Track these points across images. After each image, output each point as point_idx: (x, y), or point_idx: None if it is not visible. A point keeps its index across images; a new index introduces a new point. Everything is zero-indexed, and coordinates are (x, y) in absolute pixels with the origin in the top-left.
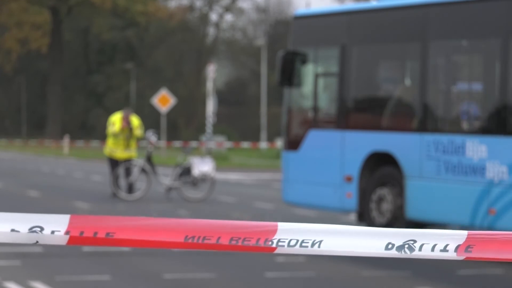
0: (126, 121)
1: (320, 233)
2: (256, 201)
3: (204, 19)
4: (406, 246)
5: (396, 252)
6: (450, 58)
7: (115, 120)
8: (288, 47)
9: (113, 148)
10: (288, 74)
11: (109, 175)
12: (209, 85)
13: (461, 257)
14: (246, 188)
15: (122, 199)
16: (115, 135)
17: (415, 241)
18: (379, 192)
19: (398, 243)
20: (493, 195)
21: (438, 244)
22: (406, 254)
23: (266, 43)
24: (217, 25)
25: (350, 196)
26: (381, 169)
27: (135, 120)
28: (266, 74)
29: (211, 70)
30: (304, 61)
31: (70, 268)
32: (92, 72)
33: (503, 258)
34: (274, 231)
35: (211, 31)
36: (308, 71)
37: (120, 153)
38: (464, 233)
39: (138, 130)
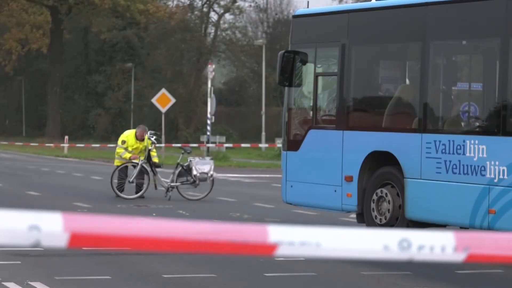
0: (141, 139)
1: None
2: (256, 201)
3: (204, 18)
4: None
5: (395, 251)
6: (450, 58)
7: (128, 138)
8: (288, 46)
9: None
10: (288, 74)
11: (113, 176)
12: (209, 85)
13: (462, 257)
14: (246, 188)
15: (122, 199)
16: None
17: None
18: (379, 192)
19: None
20: (493, 195)
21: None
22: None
23: (266, 42)
24: (217, 25)
25: (350, 196)
26: (381, 169)
27: (146, 141)
28: (266, 74)
29: (211, 70)
30: (303, 60)
31: (70, 268)
32: (92, 72)
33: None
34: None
35: (211, 31)
36: (308, 71)
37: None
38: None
39: (151, 149)
